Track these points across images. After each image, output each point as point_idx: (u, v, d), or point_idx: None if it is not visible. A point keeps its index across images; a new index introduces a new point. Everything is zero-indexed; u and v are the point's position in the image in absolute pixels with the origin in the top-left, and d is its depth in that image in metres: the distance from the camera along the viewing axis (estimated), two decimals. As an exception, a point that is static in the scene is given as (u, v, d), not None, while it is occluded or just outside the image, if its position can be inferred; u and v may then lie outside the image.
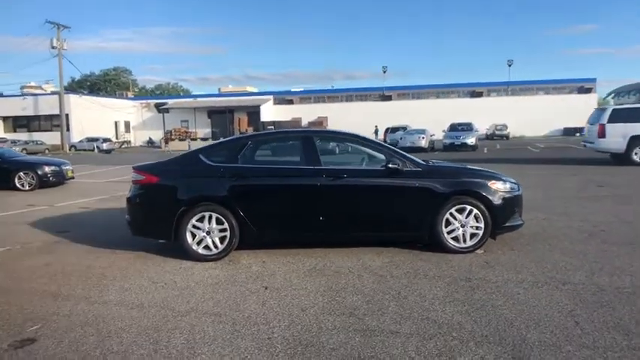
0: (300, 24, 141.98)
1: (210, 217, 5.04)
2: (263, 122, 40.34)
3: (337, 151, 5.62)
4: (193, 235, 5.06)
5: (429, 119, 35.24)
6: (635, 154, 14.11)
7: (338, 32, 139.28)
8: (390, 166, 5.06)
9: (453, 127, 26.83)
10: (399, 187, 5.13)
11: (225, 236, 5.06)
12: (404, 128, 30.65)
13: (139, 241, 5.71)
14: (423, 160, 5.44)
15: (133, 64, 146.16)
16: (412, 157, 5.32)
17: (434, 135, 27.59)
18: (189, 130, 46.75)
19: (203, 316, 3.56)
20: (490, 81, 45.22)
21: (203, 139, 44.46)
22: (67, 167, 13.72)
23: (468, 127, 26.47)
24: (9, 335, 3.31)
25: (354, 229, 5.19)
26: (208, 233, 5.05)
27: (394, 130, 31.53)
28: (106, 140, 39.99)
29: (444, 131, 26.92)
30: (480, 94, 44.61)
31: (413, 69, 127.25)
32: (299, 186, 5.12)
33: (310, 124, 45.47)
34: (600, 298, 3.71)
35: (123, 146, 45.11)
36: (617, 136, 13.99)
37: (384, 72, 46.95)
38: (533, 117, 40.48)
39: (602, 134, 14.13)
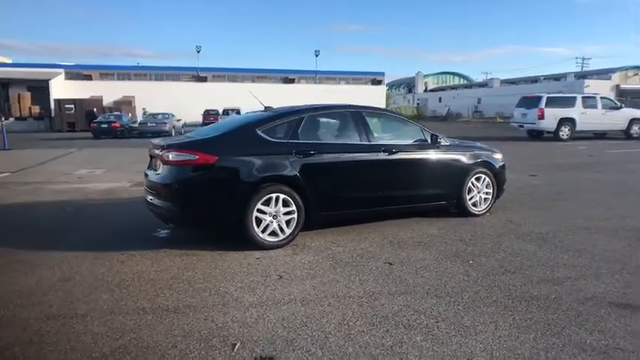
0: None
1: (277, 199, 4.53)
2: (59, 100, 33.77)
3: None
4: (258, 221, 4.47)
5: (247, 102, 35.81)
6: (562, 132, 18.10)
7: (120, 5, 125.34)
8: (439, 140, 5.46)
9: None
10: (441, 161, 5.59)
11: (291, 219, 4.63)
12: (237, 111, 30.43)
13: (126, 239, 4.94)
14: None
15: None
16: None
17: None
18: (-60, 108, 35.85)
19: (398, 297, 3.37)
20: (301, 69, 48.41)
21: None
22: None
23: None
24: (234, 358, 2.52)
25: (406, 202, 5.41)
26: (275, 217, 4.54)
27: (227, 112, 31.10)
28: None
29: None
30: (292, 81, 47.21)
31: (211, 50, 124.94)
32: (363, 162, 5.05)
33: (115, 103, 40.40)
34: (625, 235, 4.97)
35: None
36: (551, 118, 17.87)
37: (198, 52, 44.96)
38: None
39: (541, 116, 17.86)
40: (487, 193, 5.99)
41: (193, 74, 45.77)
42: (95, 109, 33.87)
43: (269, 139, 4.65)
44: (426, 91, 66.93)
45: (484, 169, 5.93)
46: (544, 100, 18.08)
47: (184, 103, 38.06)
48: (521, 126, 19.46)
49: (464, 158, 5.77)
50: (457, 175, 5.71)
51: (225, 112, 32.79)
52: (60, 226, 5.68)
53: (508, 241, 4.77)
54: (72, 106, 33.33)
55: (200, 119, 38.78)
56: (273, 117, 4.88)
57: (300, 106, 5.37)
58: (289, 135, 4.76)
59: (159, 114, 26.16)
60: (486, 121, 43.93)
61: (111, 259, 4.26)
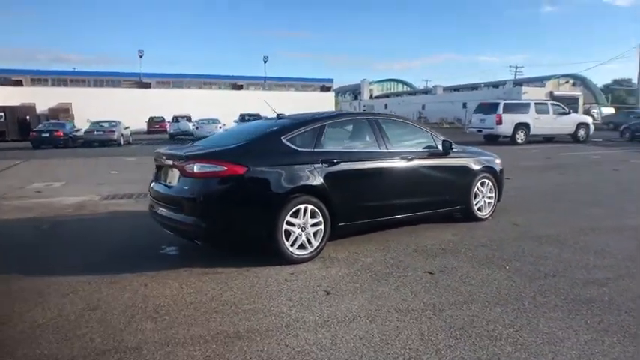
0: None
1: (305, 211, 4.34)
2: (-14, 107, 30.92)
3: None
4: (287, 234, 4.26)
5: (194, 108, 35.04)
6: (517, 137, 19.10)
7: (46, 7, 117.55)
8: (452, 147, 5.50)
9: (243, 117, 27.72)
10: (453, 167, 5.66)
11: (318, 231, 4.46)
12: (188, 118, 29.45)
13: (133, 259, 4.55)
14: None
15: None
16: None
17: (225, 125, 27.65)
18: None
19: (461, 307, 3.31)
20: (250, 75, 47.93)
21: None
22: None
23: (257, 118, 27.72)
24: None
25: (423, 208, 5.39)
26: (303, 229, 4.35)
27: (177, 119, 29.96)
28: None
29: (235, 122, 27.35)
30: (240, 87, 46.51)
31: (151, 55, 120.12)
32: (384, 169, 4.99)
33: (51, 111, 37.74)
34: (631, 234, 5.26)
35: None
36: (508, 123, 18.74)
37: (141, 57, 43.11)
38: (287, 109, 45.13)
39: (499, 122, 18.69)
40: (490, 198, 6.12)
41: (136, 80, 43.84)
42: (28, 117, 31.34)
43: (295, 148, 4.46)
44: (371, 97, 68.47)
45: (488, 174, 6.06)
46: (501, 107, 19.01)
47: (127, 111, 36.28)
48: (480, 131, 20.17)
49: (472, 164, 5.87)
50: (466, 180, 5.79)
51: (175, 119, 31.59)
52: (46, 246, 5.12)
53: (527, 245, 4.88)
54: (2, 114, 30.54)
55: (145, 127, 37.21)
56: (295, 125, 4.69)
57: (316, 113, 5.24)
58: (314, 143, 4.59)
59: (105, 122, 24.63)
60: (432, 126, 45.54)
61: (131, 283, 3.87)
